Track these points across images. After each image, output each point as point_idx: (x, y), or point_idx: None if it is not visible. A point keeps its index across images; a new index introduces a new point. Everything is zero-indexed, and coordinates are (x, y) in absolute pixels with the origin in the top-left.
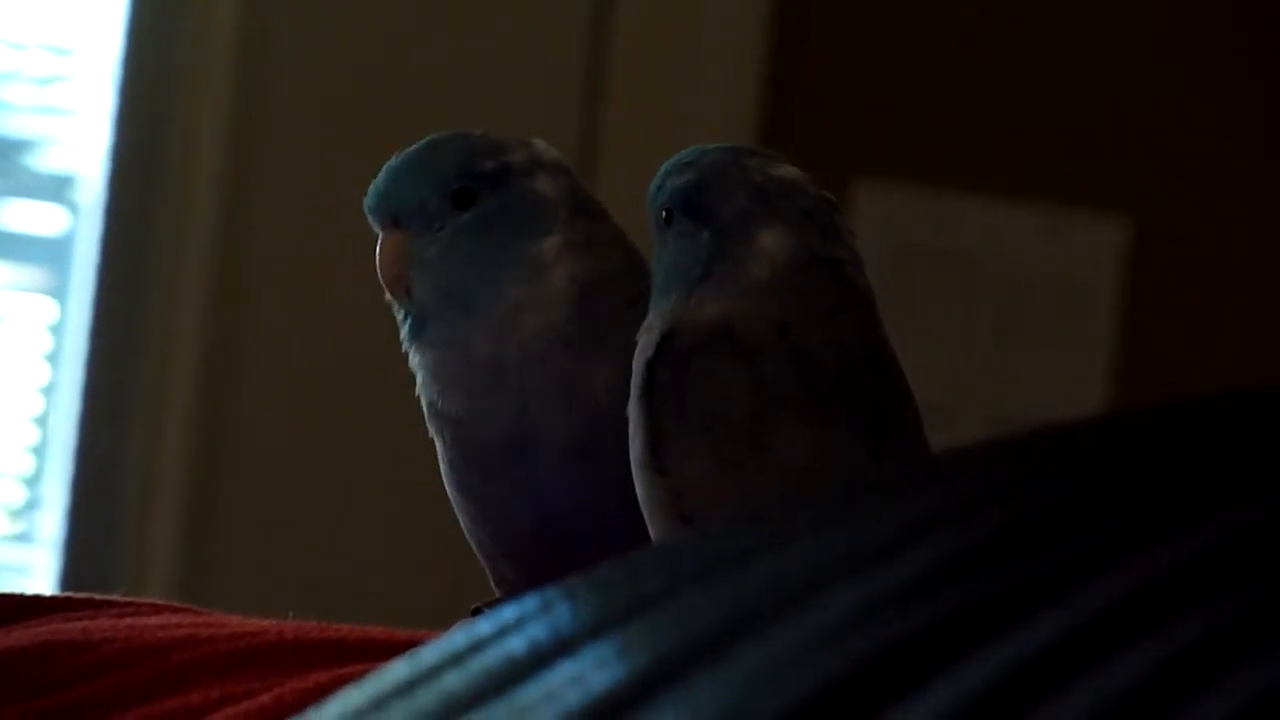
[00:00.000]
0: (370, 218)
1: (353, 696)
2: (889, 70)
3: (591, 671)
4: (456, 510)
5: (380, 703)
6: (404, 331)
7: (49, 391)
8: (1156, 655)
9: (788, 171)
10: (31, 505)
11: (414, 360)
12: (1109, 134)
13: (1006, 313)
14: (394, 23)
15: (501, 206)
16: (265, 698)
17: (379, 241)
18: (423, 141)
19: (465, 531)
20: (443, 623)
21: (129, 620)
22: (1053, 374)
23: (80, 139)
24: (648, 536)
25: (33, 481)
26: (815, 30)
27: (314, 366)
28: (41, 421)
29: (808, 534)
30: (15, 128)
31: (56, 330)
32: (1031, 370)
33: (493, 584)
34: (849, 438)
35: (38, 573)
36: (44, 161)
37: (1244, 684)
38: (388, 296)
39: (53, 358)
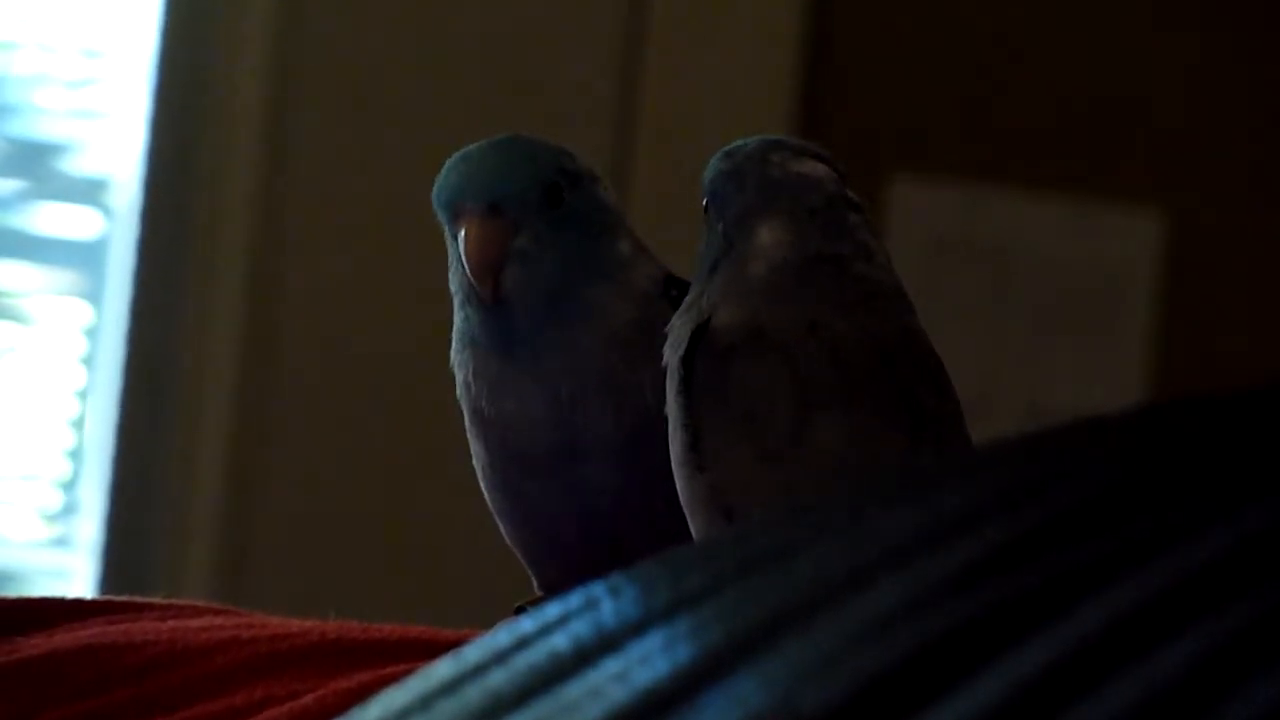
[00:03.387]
0: (454, 204)
1: (397, 696)
2: (922, 65)
3: (636, 668)
4: (496, 514)
5: (425, 702)
6: (464, 328)
7: (84, 395)
8: (1203, 644)
9: (808, 167)
10: (69, 510)
11: (459, 363)
12: (1143, 124)
13: (1042, 305)
14: (427, 22)
15: (583, 207)
16: (309, 699)
17: (470, 228)
18: (503, 136)
19: (505, 533)
20: (484, 623)
21: (171, 622)
22: (1089, 366)
23: (113, 142)
24: (690, 534)
25: (69, 486)
26: (849, 26)
27: (353, 366)
28: (78, 426)
29: (849, 528)
30: (48, 131)
31: (91, 334)
32: (1067, 362)
33: (536, 584)
34: (887, 429)
35: (76, 578)
36: (77, 165)
37: None
38: (458, 289)
39: (88, 361)
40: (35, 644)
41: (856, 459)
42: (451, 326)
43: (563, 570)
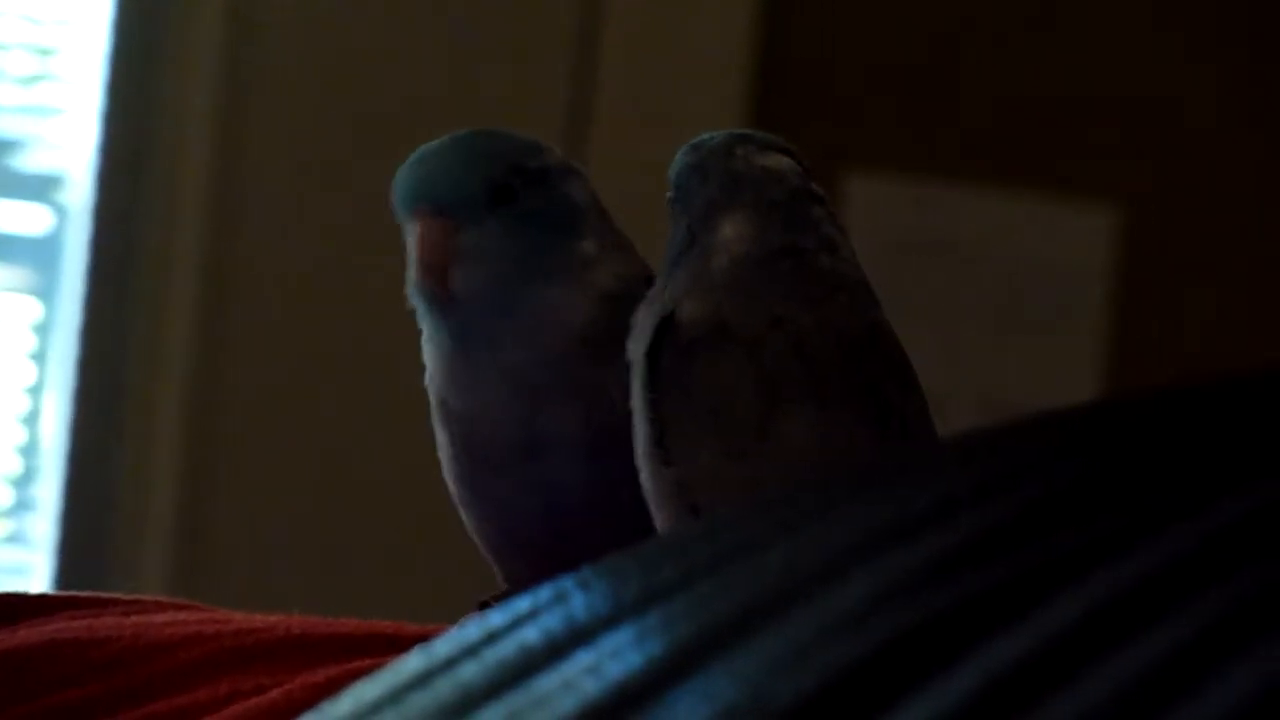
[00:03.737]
0: (408, 203)
1: (367, 690)
2: (877, 62)
3: (608, 661)
4: (460, 505)
5: (396, 695)
6: (429, 326)
7: (35, 392)
8: (1176, 637)
9: (773, 160)
10: (21, 506)
11: (427, 353)
12: (1097, 121)
13: (997, 301)
14: (382, 19)
15: (541, 206)
16: (275, 693)
17: (417, 228)
18: (462, 133)
19: (469, 527)
20: (445, 618)
21: (134, 618)
22: (1044, 362)
23: (66, 139)
24: (656, 528)
25: (21, 482)
26: (803, 23)
27: (307, 361)
28: (29, 422)
29: (820, 520)
30: None
31: (42, 330)
32: (1022, 358)
33: (500, 579)
34: (853, 423)
35: (32, 574)
36: (29, 162)
37: (1262, 663)
38: (411, 287)
39: (38, 357)
40: None
41: (822, 453)
42: (408, 323)
43: (527, 565)
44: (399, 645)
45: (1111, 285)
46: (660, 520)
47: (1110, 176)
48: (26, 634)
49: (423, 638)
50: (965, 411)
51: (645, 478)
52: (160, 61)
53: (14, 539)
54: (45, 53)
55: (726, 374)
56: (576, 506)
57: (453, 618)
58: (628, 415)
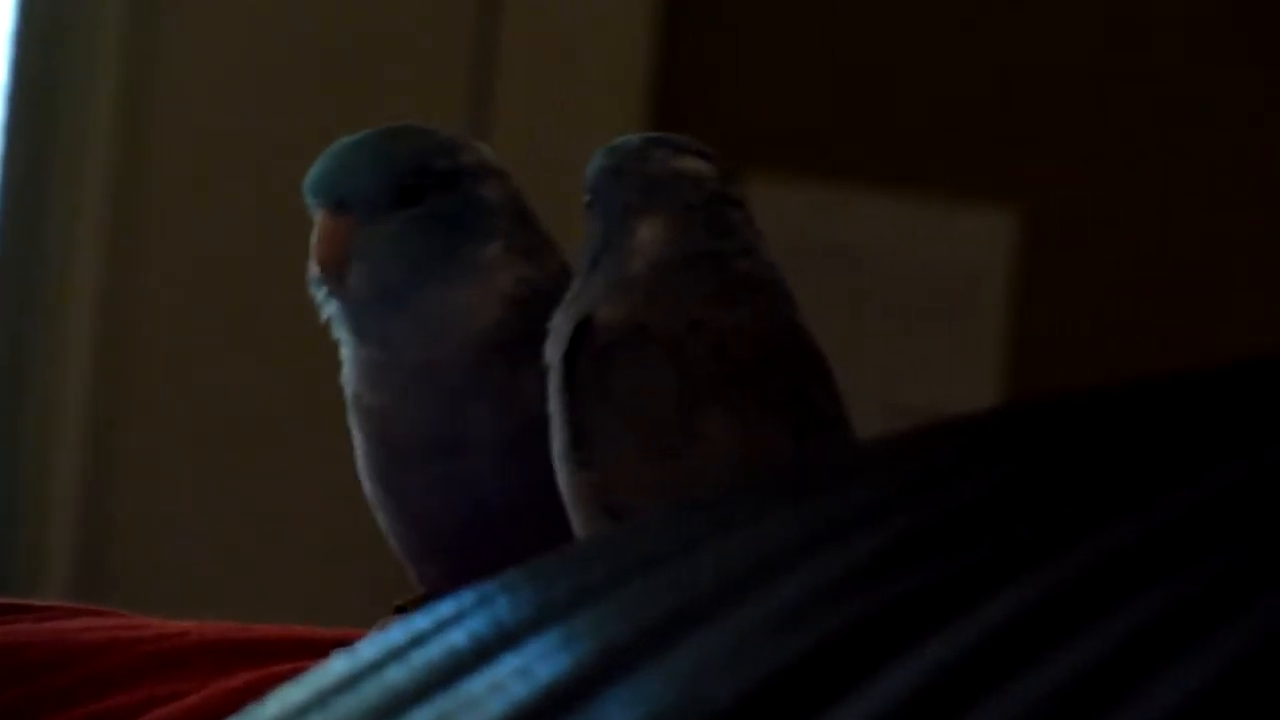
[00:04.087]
0: (312, 198)
1: (293, 693)
2: (777, 64)
3: (537, 663)
4: (374, 505)
5: (322, 698)
6: (336, 321)
7: None
8: (1109, 640)
9: (689, 163)
10: None
11: (343, 351)
12: (996, 125)
13: (897, 304)
14: (284, 15)
15: (449, 208)
16: (193, 699)
17: (319, 222)
18: (379, 129)
19: (384, 527)
20: (357, 621)
21: (50, 624)
22: (944, 365)
23: None
24: (571, 533)
25: None
26: (704, 25)
27: (212, 359)
28: None
29: (750, 523)
30: None
31: None
32: (923, 361)
33: (415, 580)
34: (772, 426)
35: None
36: None
37: (1200, 664)
38: (313, 281)
39: None
40: None
41: (741, 455)
42: (314, 315)
43: (441, 566)
44: (316, 649)
45: (1010, 288)
46: (577, 522)
47: (1009, 180)
48: None
49: (339, 641)
50: (867, 415)
51: (562, 480)
52: (64, 49)
53: None
54: None
55: (645, 377)
56: (490, 508)
57: (365, 621)
58: (543, 417)
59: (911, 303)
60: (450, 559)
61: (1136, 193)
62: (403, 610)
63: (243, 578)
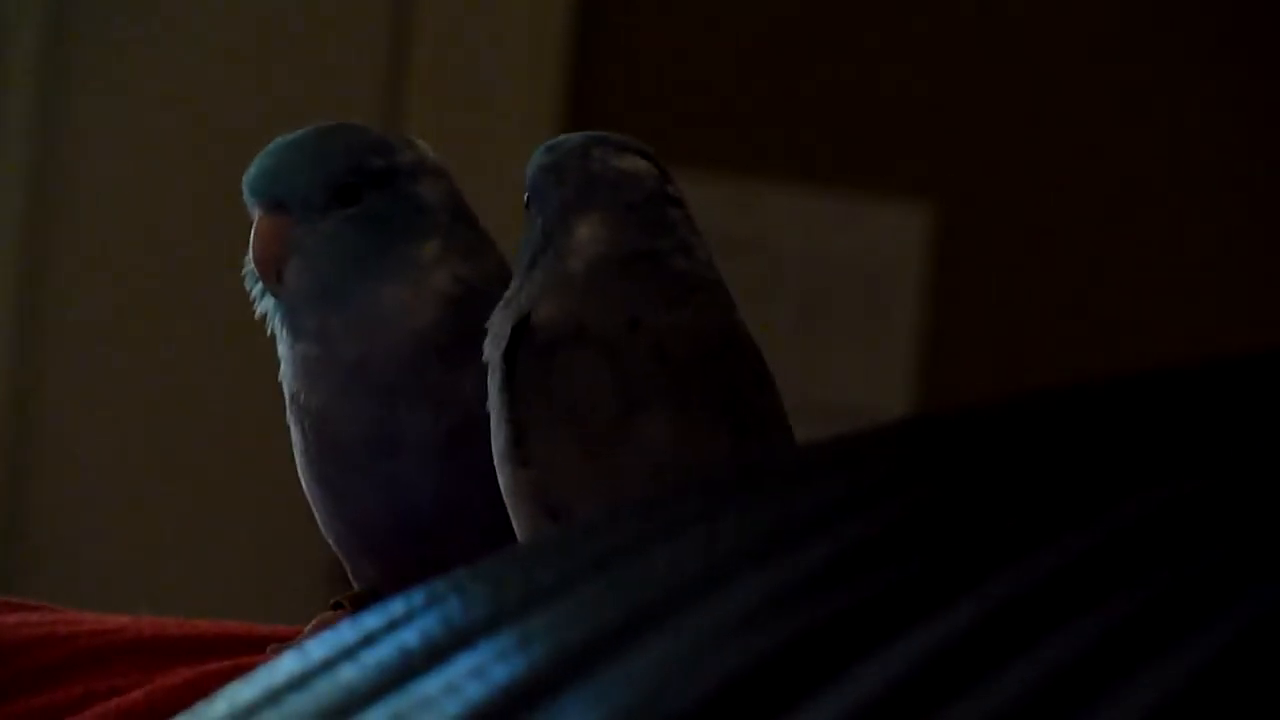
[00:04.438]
0: (249, 198)
1: (243, 691)
2: (692, 58)
3: (491, 664)
4: (312, 502)
5: (273, 696)
6: (271, 318)
7: None
8: (1077, 640)
9: (628, 162)
10: None
11: (280, 349)
12: (910, 119)
13: (811, 299)
14: (202, 19)
15: (385, 207)
16: (136, 695)
17: (256, 222)
18: (313, 129)
19: (320, 524)
20: (279, 615)
21: None
22: (857, 362)
23: None
24: (510, 532)
25: None
26: (618, 19)
27: (123, 359)
28: None
29: (703, 524)
30: None
31: None
32: (837, 357)
33: (351, 577)
34: (710, 425)
35: None
36: None
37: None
38: (248, 278)
39: None
40: None
41: (681, 454)
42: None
43: (377, 563)
44: (253, 645)
45: (924, 284)
46: (518, 521)
47: (921, 174)
48: None
49: (275, 638)
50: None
51: (503, 479)
52: None
53: None
54: None
55: (584, 375)
56: (427, 506)
57: (290, 616)
58: (480, 417)
59: (826, 298)
60: (387, 557)
61: (1049, 187)
62: (339, 606)
63: (164, 569)
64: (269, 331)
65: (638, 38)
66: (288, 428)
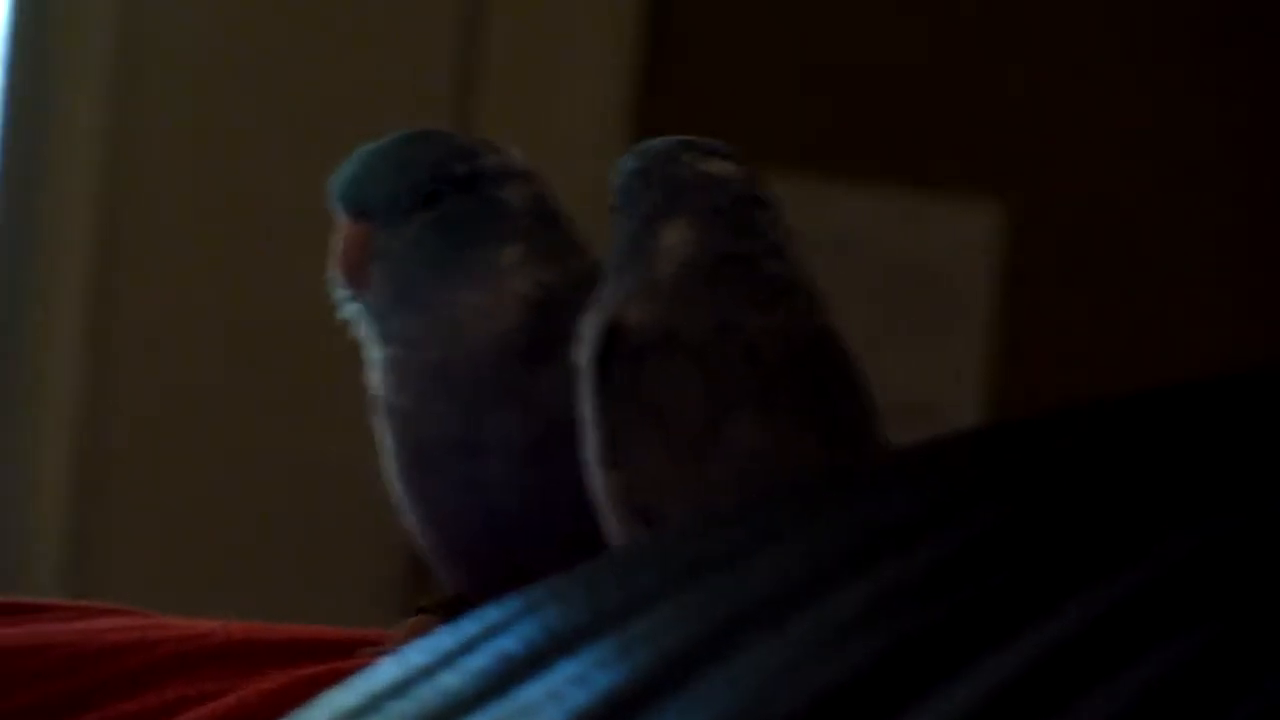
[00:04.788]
0: (335, 204)
1: (342, 697)
2: (762, 57)
3: (593, 671)
4: (400, 505)
5: (374, 703)
6: (359, 322)
7: None
8: (1192, 644)
9: (716, 166)
10: None
11: (369, 354)
12: (981, 117)
13: (882, 298)
14: (268, 19)
15: (466, 212)
16: (229, 699)
17: (341, 229)
18: (398, 135)
19: (409, 527)
20: (349, 620)
21: (75, 624)
22: (928, 361)
23: None
24: (595, 535)
25: None
26: (687, 18)
27: (197, 364)
28: None
29: (803, 531)
30: None
31: None
32: (907, 357)
33: (441, 581)
34: (801, 429)
35: None
36: None
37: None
38: (333, 284)
39: None
40: None
41: (770, 459)
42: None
43: (464, 568)
44: (342, 650)
45: (996, 282)
46: (610, 526)
47: (994, 172)
48: None
49: (364, 642)
50: None
51: (595, 483)
52: (52, 65)
53: None
54: None
55: (674, 380)
56: (513, 509)
57: (360, 619)
58: (565, 421)
59: (898, 297)
60: (473, 560)
61: (1122, 185)
62: (425, 611)
63: (234, 576)
64: (356, 336)
65: (708, 37)
66: (362, 433)
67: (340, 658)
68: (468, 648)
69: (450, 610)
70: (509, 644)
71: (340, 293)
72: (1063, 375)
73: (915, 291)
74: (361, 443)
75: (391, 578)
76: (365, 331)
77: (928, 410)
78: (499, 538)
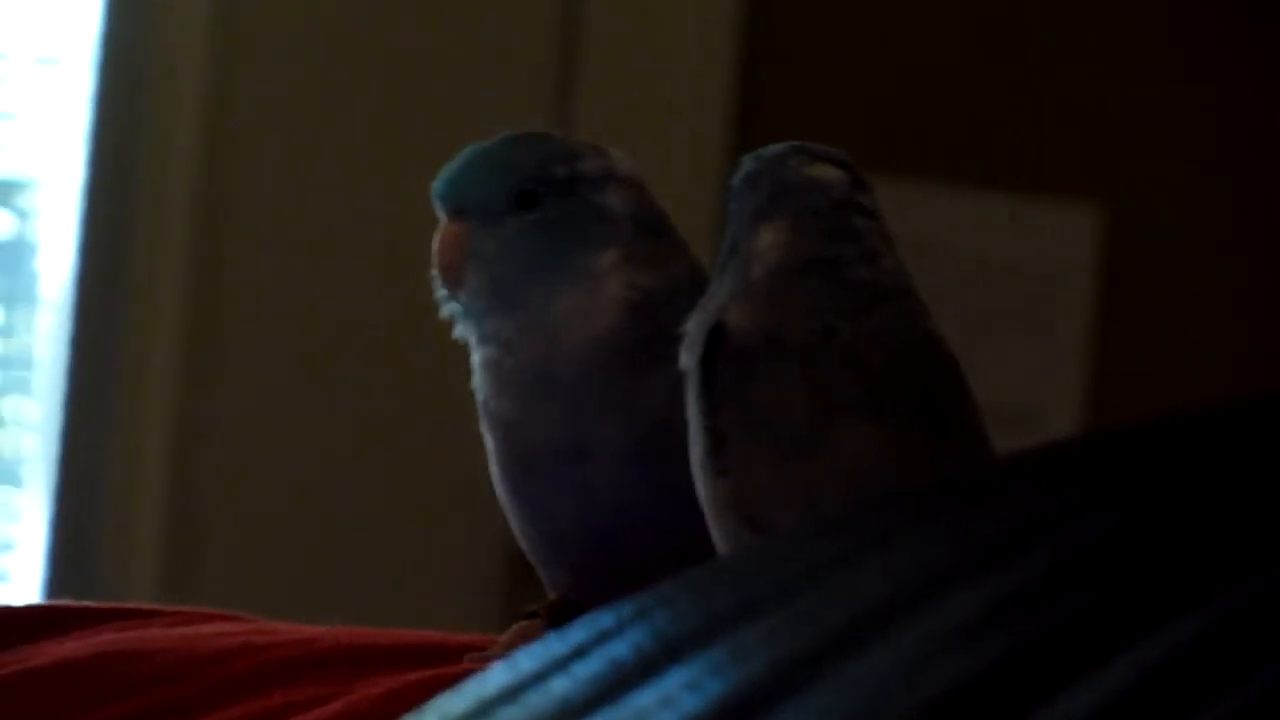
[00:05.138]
0: (435, 204)
1: (453, 702)
2: (858, 63)
3: (706, 677)
4: (505, 510)
5: (484, 709)
6: (460, 324)
7: None
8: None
9: (820, 170)
10: None
11: (473, 356)
12: (1080, 121)
13: (978, 303)
14: (364, 19)
15: (564, 214)
16: (336, 705)
17: (439, 229)
18: (502, 136)
19: (515, 532)
20: (452, 625)
21: (183, 629)
22: (1026, 365)
23: (23, 143)
24: (701, 539)
25: None
26: (786, 23)
27: (294, 365)
28: None
29: (913, 535)
30: None
31: (3, 335)
32: (1005, 361)
33: (546, 586)
34: (907, 433)
35: (17, 580)
36: None
37: None
38: (435, 283)
39: (1, 363)
40: (47, 651)
41: (877, 463)
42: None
43: (570, 572)
44: (450, 655)
45: (1095, 286)
46: (716, 530)
47: (1091, 176)
48: (75, 645)
49: (470, 648)
50: None
51: (701, 487)
52: (147, 64)
53: None
54: None
55: (780, 384)
56: (617, 514)
57: (461, 625)
58: (669, 423)
59: (993, 300)
60: (578, 564)
61: (1221, 189)
62: (533, 615)
63: (332, 581)
64: (456, 337)
65: (805, 43)
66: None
67: (447, 663)
68: (579, 653)
69: (556, 615)
70: (620, 650)
71: (441, 293)
72: (1160, 378)
73: (1014, 295)
74: (461, 446)
75: (491, 582)
76: (465, 332)
77: (1026, 413)
78: (604, 542)
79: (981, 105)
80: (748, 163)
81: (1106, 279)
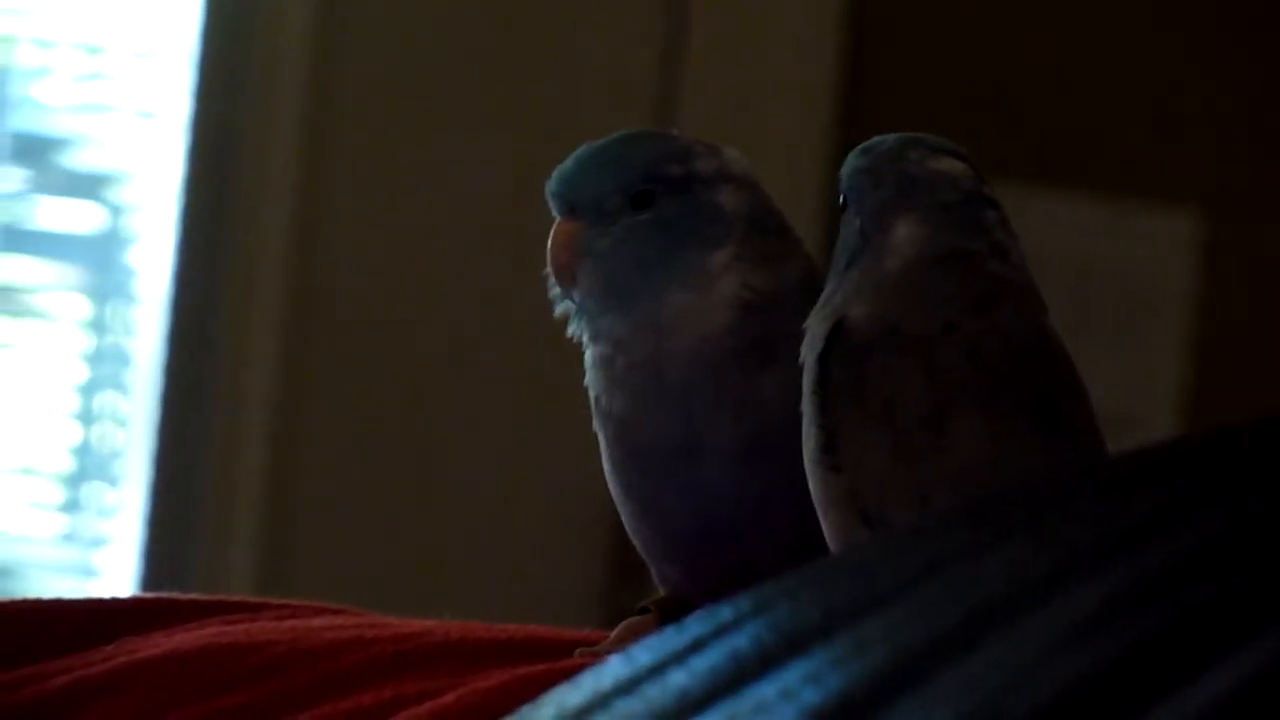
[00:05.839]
0: (550, 203)
1: (570, 695)
2: (956, 67)
3: (827, 670)
4: (618, 506)
5: (603, 700)
6: (574, 322)
7: (86, 391)
8: None
9: (946, 164)
10: (71, 505)
11: (585, 354)
12: (1177, 125)
13: (1076, 307)
14: (464, 18)
15: (678, 214)
16: (448, 698)
17: (553, 227)
18: (617, 135)
19: (627, 528)
20: (556, 619)
21: (290, 622)
22: (1124, 369)
23: (116, 136)
24: (811, 536)
25: (71, 481)
26: (884, 30)
27: (394, 360)
28: (82, 420)
29: (1035, 531)
30: (49, 126)
31: (94, 328)
32: (1102, 365)
33: (657, 581)
34: (1023, 430)
35: (111, 574)
36: (79, 159)
37: None
38: (551, 288)
39: (91, 357)
40: (156, 643)
41: (992, 460)
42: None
43: (682, 569)
44: (562, 649)
45: (1193, 290)
46: (829, 526)
47: (1190, 180)
48: (183, 638)
49: (581, 642)
50: None
51: (813, 483)
52: (248, 58)
53: (67, 538)
54: (92, 51)
55: (897, 378)
56: (730, 511)
57: (565, 620)
58: (783, 422)
59: (1091, 304)
60: (690, 561)
61: None
62: (645, 611)
63: (427, 576)
64: (569, 334)
65: (902, 50)
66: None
67: (558, 657)
68: (697, 646)
69: (667, 611)
70: (740, 642)
71: (554, 291)
72: (1258, 383)
73: (1113, 299)
74: (570, 443)
75: (593, 580)
76: (577, 330)
77: (1124, 418)
78: (715, 539)
79: (1083, 109)
80: (858, 157)
81: (1205, 284)
